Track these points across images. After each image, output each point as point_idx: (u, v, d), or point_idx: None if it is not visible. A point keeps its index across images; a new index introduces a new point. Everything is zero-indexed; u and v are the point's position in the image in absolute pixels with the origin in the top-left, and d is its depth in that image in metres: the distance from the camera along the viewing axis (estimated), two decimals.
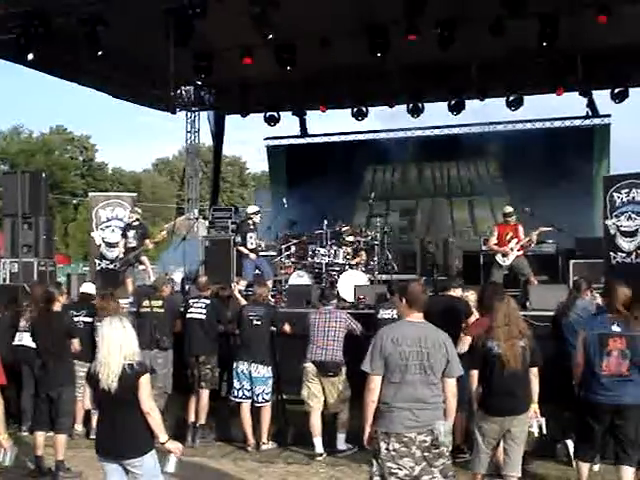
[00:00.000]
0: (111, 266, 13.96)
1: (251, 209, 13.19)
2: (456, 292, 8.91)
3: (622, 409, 6.66)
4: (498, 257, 12.32)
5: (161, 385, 9.51)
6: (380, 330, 5.49)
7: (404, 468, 5.15)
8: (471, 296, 8.96)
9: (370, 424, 5.36)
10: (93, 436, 8.52)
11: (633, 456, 6.76)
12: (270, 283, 12.59)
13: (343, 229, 14.69)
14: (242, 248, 12.79)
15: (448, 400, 5.34)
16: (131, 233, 13.09)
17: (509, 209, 12.78)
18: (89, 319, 9.52)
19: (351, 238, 14.37)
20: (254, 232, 12.87)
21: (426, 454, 5.14)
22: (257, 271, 12.74)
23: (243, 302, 10.27)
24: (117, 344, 5.29)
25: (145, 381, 5.35)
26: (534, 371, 6.50)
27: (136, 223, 13.26)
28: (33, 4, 13.56)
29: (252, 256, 12.75)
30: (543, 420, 6.67)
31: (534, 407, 6.52)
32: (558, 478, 7.66)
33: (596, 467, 7.30)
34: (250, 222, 12.94)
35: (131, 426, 5.34)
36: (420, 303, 5.46)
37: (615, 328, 6.68)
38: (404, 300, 5.52)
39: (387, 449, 5.18)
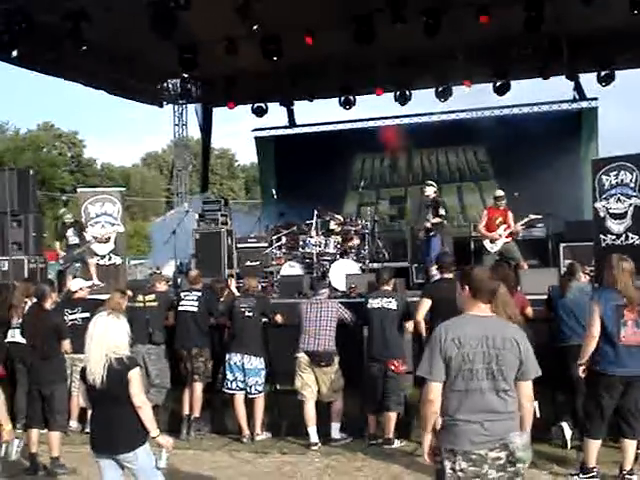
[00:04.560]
0: (101, 262, 13.92)
1: (428, 190, 13.13)
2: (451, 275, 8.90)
3: (636, 378, 6.77)
4: (486, 243, 12.41)
5: (158, 381, 9.54)
6: (438, 327, 4.51)
7: None
8: None
9: (429, 434, 4.47)
10: (88, 431, 8.58)
11: (637, 429, 6.86)
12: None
13: (332, 217, 14.68)
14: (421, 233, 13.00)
15: (523, 407, 4.43)
16: (70, 232, 13.25)
17: (500, 192, 12.92)
18: (86, 314, 9.49)
19: (338, 228, 14.36)
20: (429, 209, 12.84)
21: (500, 474, 4.26)
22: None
23: (237, 295, 10.28)
24: (98, 340, 5.31)
25: (135, 375, 5.35)
26: None
27: (71, 221, 13.42)
28: (15, 1, 13.50)
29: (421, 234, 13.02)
30: (536, 403, 6.67)
31: None
32: (554, 460, 7.69)
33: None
34: (427, 200, 12.98)
35: (123, 421, 5.34)
36: (487, 292, 4.53)
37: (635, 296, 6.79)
38: (467, 288, 4.55)
39: (453, 469, 4.28)
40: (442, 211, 12.71)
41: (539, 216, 13.29)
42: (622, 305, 6.78)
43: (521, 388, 4.41)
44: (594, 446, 6.94)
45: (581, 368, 7.00)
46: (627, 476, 6.89)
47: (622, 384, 6.80)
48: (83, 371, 5.45)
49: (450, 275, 8.75)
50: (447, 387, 4.36)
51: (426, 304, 8.45)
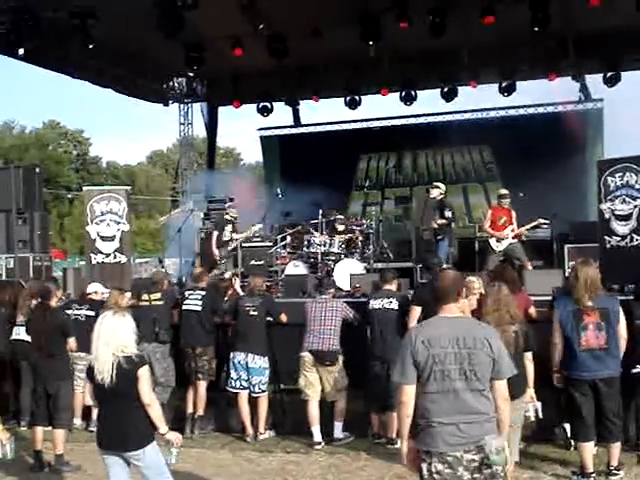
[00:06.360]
0: (107, 260, 13.94)
1: (434, 191, 13.21)
2: None
3: (602, 382, 6.85)
4: (492, 242, 12.43)
5: (163, 380, 9.56)
6: (408, 331, 4.63)
7: None
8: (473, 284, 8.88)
9: (406, 439, 4.50)
10: (92, 429, 8.61)
11: (616, 432, 6.98)
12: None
13: (336, 218, 14.69)
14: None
15: (499, 407, 4.42)
16: (228, 228, 13.67)
17: (504, 191, 12.99)
18: (91, 312, 9.54)
19: (342, 227, 14.36)
20: (435, 210, 12.94)
21: (476, 476, 4.27)
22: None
23: (241, 294, 10.29)
24: (105, 338, 5.33)
25: (144, 373, 5.38)
26: (528, 356, 6.56)
27: (230, 218, 13.84)
28: None
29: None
30: (539, 404, 6.73)
31: (530, 392, 6.58)
32: (557, 461, 7.69)
33: (594, 450, 7.35)
34: (432, 202, 13.08)
35: (131, 418, 5.36)
36: (448, 293, 4.50)
37: (588, 302, 6.85)
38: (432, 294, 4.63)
39: (429, 470, 4.30)
40: (448, 213, 12.70)
41: (547, 221, 13.35)
42: (581, 309, 6.86)
43: (496, 387, 4.41)
44: (587, 449, 6.99)
45: (554, 376, 7.11)
46: (614, 471, 7.04)
47: (590, 387, 6.89)
48: (90, 370, 5.46)
49: None
50: (422, 389, 4.38)
51: (416, 312, 8.38)
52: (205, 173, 22.83)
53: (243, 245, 14.91)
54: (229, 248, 13.62)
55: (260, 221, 14.49)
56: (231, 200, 17.39)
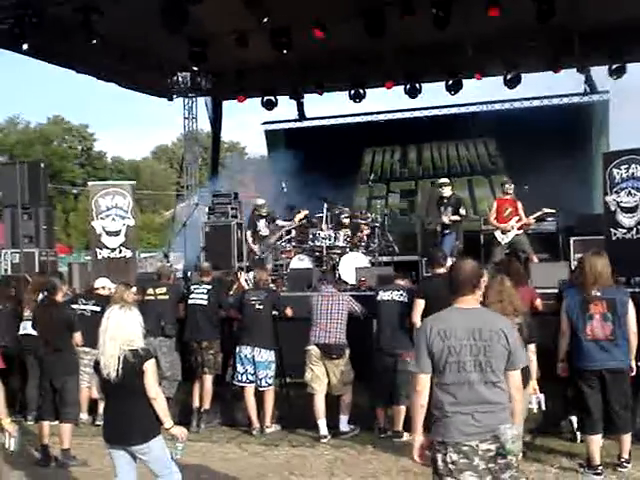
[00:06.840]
0: (112, 255, 13.96)
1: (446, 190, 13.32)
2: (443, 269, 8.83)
3: (609, 373, 6.84)
4: (497, 234, 12.44)
5: (169, 374, 9.58)
6: (424, 321, 4.65)
7: None
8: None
9: (420, 433, 4.48)
10: (98, 423, 8.64)
11: (622, 424, 6.98)
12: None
13: (341, 211, 14.68)
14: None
15: (513, 397, 4.41)
16: (262, 223, 13.99)
17: (506, 179, 12.98)
18: (97, 308, 9.56)
19: (347, 221, 14.36)
20: (447, 207, 13.05)
21: (491, 465, 4.23)
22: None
23: (247, 287, 10.31)
24: (111, 332, 5.34)
25: (150, 367, 5.39)
26: (531, 348, 6.59)
27: (264, 213, 14.07)
28: None
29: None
30: (542, 396, 6.75)
31: (532, 384, 6.60)
32: (563, 454, 7.69)
33: (601, 442, 7.35)
34: (445, 199, 13.14)
35: (137, 412, 5.38)
36: (465, 284, 4.46)
37: (595, 292, 6.86)
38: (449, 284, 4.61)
39: (444, 461, 4.26)
40: (463, 211, 12.78)
41: (552, 210, 13.33)
42: (587, 298, 6.88)
43: (510, 378, 4.40)
44: (594, 441, 7.00)
45: (558, 365, 7.12)
46: (624, 463, 7.08)
47: (597, 379, 6.89)
48: (97, 364, 5.48)
49: (442, 270, 8.64)
50: (437, 381, 4.37)
51: (420, 305, 8.37)
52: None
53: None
54: (271, 241, 14.11)
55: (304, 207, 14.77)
56: (235, 195, 17.42)
